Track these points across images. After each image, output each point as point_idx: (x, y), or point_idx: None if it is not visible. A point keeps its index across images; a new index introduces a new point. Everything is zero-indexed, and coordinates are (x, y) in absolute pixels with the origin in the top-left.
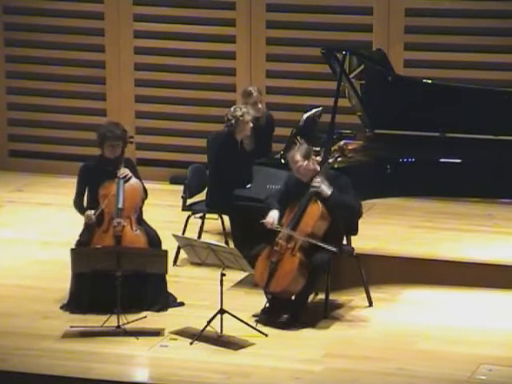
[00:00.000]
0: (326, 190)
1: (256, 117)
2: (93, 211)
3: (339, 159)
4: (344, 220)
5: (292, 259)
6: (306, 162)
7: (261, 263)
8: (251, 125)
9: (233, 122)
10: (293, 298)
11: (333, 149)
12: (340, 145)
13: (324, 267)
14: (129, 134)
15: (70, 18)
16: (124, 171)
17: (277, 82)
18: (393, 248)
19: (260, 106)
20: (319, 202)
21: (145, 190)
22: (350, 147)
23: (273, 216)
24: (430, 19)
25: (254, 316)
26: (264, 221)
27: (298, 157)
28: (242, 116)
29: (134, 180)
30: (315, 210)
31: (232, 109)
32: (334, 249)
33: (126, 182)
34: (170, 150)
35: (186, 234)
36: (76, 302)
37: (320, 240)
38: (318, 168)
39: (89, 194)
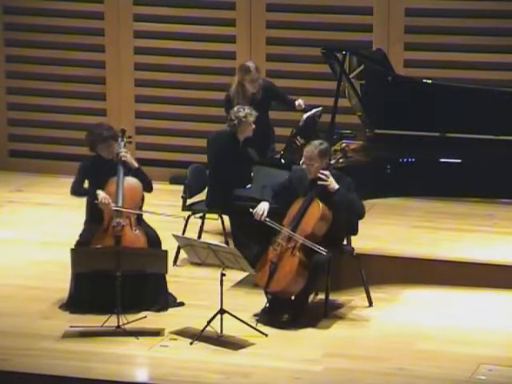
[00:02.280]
0: (334, 183)
1: (252, 92)
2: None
3: (341, 160)
4: (345, 219)
5: (292, 259)
6: (318, 163)
7: (261, 263)
8: (253, 126)
9: (235, 122)
10: (293, 297)
11: (334, 150)
12: (342, 146)
13: (324, 267)
14: (127, 134)
15: (70, 18)
16: (125, 153)
17: (277, 81)
18: (393, 248)
19: (257, 83)
20: (320, 203)
21: (150, 185)
22: (350, 147)
23: (263, 208)
24: (430, 19)
25: (254, 316)
26: (253, 211)
27: (315, 154)
28: (244, 117)
29: (133, 179)
30: (316, 210)
31: (235, 109)
32: (324, 251)
33: (124, 166)
34: (169, 150)
35: (186, 234)
36: (76, 302)
37: (319, 240)
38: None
39: (90, 194)
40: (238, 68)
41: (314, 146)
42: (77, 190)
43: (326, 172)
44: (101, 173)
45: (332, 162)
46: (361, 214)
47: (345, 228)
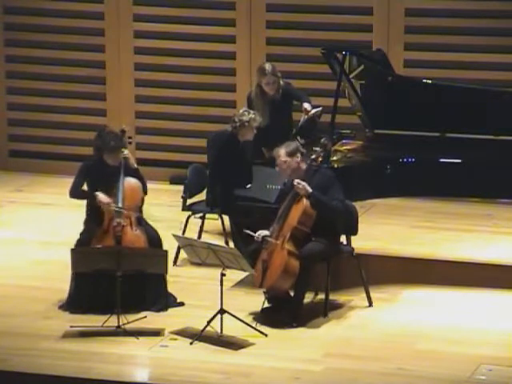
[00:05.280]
0: (307, 188)
1: (271, 94)
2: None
3: (322, 154)
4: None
5: (281, 252)
6: (288, 158)
7: (257, 265)
8: (255, 131)
9: (238, 124)
10: (292, 294)
11: (335, 150)
12: (322, 141)
13: (314, 259)
14: (127, 135)
15: (70, 18)
16: (127, 153)
17: None
18: (393, 248)
19: (272, 86)
20: (304, 199)
21: (145, 187)
22: (349, 147)
23: (260, 233)
24: (430, 19)
25: (253, 316)
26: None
27: (282, 152)
28: (248, 122)
29: (133, 180)
30: (300, 205)
31: (241, 111)
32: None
33: (126, 166)
34: (170, 150)
35: (186, 234)
36: (75, 302)
37: (308, 233)
38: (304, 167)
39: (89, 196)
40: (256, 70)
41: (282, 148)
42: (75, 193)
43: (297, 180)
44: (102, 175)
45: (313, 156)
46: (340, 214)
47: (343, 227)
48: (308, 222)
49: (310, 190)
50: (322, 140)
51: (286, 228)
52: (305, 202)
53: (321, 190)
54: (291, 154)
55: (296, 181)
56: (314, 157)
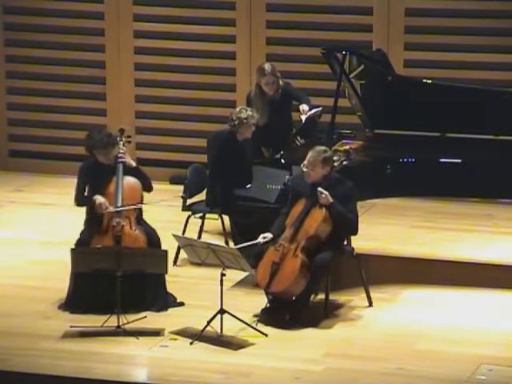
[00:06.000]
0: (328, 198)
1: (271, 95)
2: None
3: (344, 163)
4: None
5: (294, 260)
6: (318, 167)
7: (263, 264)
8: (253, 128)
9: (236, 122)
10: (294, 298)
11: (335, 150)
12: (346, 148)
13: (326, 268)
14: (126, 134)
15: (70, 18)
16: (122, 155)
17: None
18: (393, 248)
19: (272, 86)
20: (324, 208)
21: (149, 185)
22: (353, 149)
23: (265, 235)
24: (430, 19)
25: (254, 316)
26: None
27: (317, 159)
28: (246, 119)
29: (132, 179)
30: (318, 213)
31: (238, 109)
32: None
33: (123, 165)
34: (170, 150)
35: (186, 234)
36: (75, 302)
37: (323, 242)
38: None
39: (89, 195)
40: (256, 70)
41: (319, 152)
42: (80, 200)
43: (320, 188)
44: (100, 175)
45: (335, 164)
46: (352, 230)
47: (348, 232)
48: (325, 231)
49: (332, 200)
50: (347, 147)
51: (301, 234)
52: (324, 211)
53: (340, 202)
54: (324, 164)
55: (319, 189)
56: (336, 164)
